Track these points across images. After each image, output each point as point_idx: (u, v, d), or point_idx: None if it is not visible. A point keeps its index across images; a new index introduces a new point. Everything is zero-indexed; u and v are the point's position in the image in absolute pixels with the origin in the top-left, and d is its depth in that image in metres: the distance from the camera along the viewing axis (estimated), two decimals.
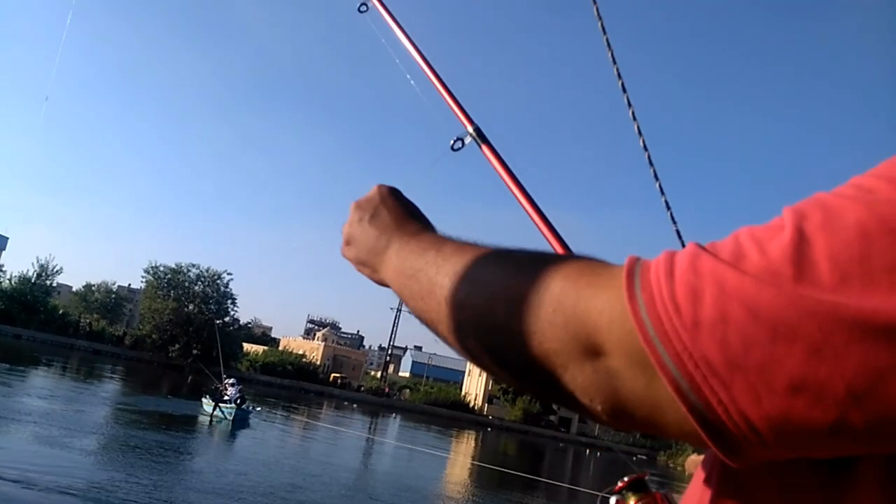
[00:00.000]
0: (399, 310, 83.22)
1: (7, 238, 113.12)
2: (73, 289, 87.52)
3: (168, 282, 69.46)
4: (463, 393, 78.89)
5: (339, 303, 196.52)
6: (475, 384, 78.47)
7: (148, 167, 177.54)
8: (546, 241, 1.34)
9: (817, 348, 0.38)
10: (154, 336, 66.79)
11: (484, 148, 1.43)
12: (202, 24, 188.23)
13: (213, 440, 21.91)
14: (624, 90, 1.67)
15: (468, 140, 1.45)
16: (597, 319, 0.45)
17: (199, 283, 71.09)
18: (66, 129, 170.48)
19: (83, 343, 64.37)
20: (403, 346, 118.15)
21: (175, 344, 66.11)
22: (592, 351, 0.46)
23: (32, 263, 69.57)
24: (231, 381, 27.38)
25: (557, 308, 0.47)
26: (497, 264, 0.56)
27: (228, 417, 24.60)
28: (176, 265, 70.70)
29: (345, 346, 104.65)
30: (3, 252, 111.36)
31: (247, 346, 75.31)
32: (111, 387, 35.89)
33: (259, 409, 28.46)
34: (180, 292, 69.38)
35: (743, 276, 0.41)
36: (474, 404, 74.66)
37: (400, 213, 0.78)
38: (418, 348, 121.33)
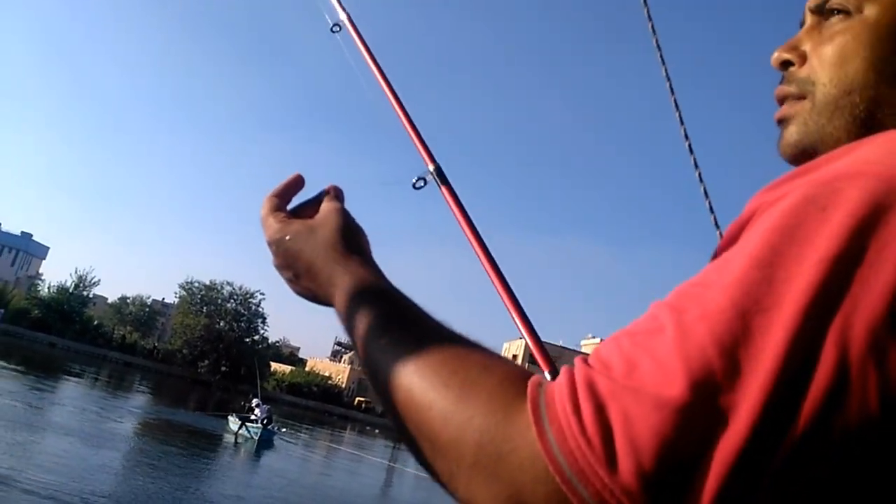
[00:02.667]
0: None
1: (48, 248, 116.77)
2: (109, 300, 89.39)
3: (201, 298, 70.58)
4: None
5: None
6: None
7: (188, 185, 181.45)
8: (494, 287, 1.41)
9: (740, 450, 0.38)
10: (185, 351, 67.75)
11: (443, 189, 1.40)
12: (245, 50, 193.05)
13: (238, 460, 22.06)
14: (676, 107, 1.67)
15: (429, 178, 1.41)
16: (520, 479, 0.43)
17: (232, 300, 72.13)
18: (111, 144, 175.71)
19: (115, 355, 65.51)
20: None
21: (205, 360, 66.95)
22: None
23: (71, 274, 71.46)
24: (256, 401, 27.58)
25: (478, 460, 0.45)
26: (418, 367, 0.52)
27: (254, 437, 24.74)
28: (210, 282, 71.94)
29: None
30: (44, 261, 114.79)
31: (274, 366, 75.88)
32: (140, 399, 36.41)
33: (284, 429, 28.61)
34: (213, 309, 70.41)
35: (639, 396, 0.40)
36: None
37: (346, 244, 0.71)
38: None
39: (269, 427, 25.38)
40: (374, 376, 0.57)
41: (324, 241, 0.70)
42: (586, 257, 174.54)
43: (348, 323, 0.63)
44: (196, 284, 71.48)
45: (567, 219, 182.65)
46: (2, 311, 62.61)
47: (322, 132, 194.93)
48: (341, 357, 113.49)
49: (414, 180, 1.39)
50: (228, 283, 72.41)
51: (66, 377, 37.16)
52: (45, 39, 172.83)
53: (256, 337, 73.10)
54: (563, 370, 0.46)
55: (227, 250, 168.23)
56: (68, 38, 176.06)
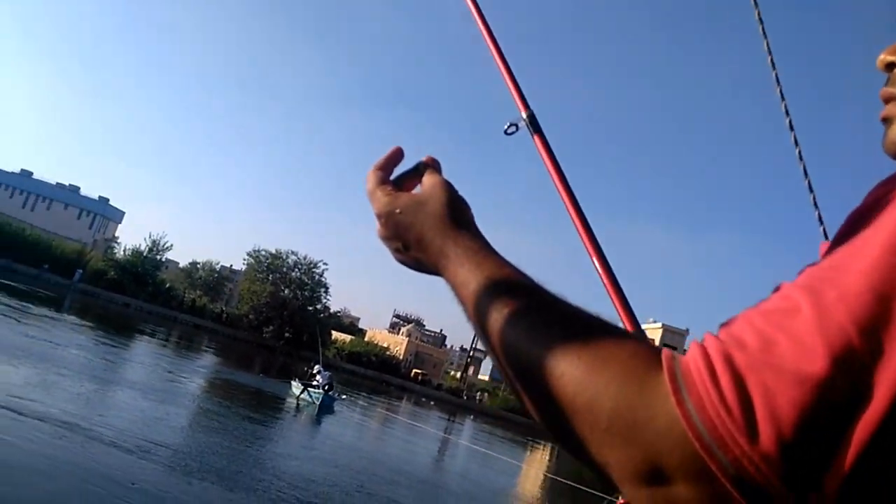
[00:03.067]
0: None
1: (124, 213, 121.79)
2: (180, 265, 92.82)
3: (268, 266, 72.50)
4: None
5: (425, 300, 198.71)
6: None
7: (262, 156, 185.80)
8: (584, 246, 1.34)
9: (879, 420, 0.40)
10: (251, 316, 69.93)
11: (535, 137, 1.37)
12: (322, 24, 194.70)
13: (299, 423, 22.73)
14: (783, 98, 1.59)
15: (521, 125, 1.37)
16: (657, 444, 0.45)
17: (297, 269, 73.82)
18: (187, 114, 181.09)
19: (185, 317, 68.14)
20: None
21: (269, 326, 68.96)
22: (653, 477, 0.46)
23: (145, 238, 74.40)
24: (318, 367, 28.24)
25: (612, 424, 0.47)
26: (544, 336, 0.53)
27: (315, 402, 25.40)
28: (276, 251, 73.77)
29: (428, 343, 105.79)
30: (119, 225, 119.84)
31: (335, 334, 77.55)
32: (207, 360, 37.83)
33: (345, 396, 29.27)
34: (278, 277, 72.29)
35: (779, 370, 0.42)
36: None
37: (454, 216, 0.73)
38: None
39: (330, 393, 25.97)
40: (495, 342, 0.58)
41: (433, 215, 0.72)
42: (644, 239, 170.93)
43: (462, 292, 0.66)
44: (263, 253, 73.51)
45: (626, 201, 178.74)
46: (80, 271, 65.86)
47: (392, 105, 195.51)
48: (399, 329, 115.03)
49: (506, 126, 1.39)
50: (293, 253, 74.20)
51: (139, 336, 38.91)
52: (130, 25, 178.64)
53: (319, 306, 74.75)
54: (693, 344, 0.48)
55: (293, 221, 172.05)
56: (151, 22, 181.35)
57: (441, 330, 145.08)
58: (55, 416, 11.45)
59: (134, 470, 9.79)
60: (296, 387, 27.67)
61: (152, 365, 25.99)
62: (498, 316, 0.58)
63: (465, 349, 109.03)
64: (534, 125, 1.38)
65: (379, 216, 0.77)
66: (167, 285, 72.91)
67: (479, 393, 78.52)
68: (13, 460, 8.61)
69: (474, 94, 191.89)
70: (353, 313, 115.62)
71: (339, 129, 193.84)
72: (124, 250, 73.59)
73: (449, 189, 0.76)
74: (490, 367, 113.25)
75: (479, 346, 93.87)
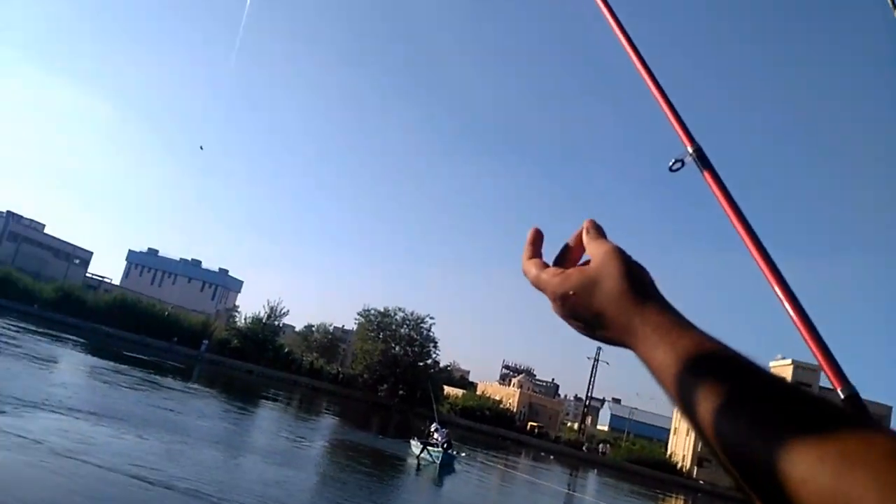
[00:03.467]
0: (597, 360, 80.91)
1: (242, 282, 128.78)
2: (297, 329, 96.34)
3: (378, 324, 73.95)
4: (668, 452, 74.00)
5: (534, 349, 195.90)
6: (682, 444, 73.32)
7: (364, 218, 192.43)
8: (775, 294, 1.14)
9: None
10: (365, 376, 71.21)
11: (705, 173, 1.27)
12: (410, 78, 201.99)
13: (421, 483, 22.56)
14: None
15: (688, 161, 1.29)
16: None
17: (405, 326, 74.82)
18: (294, 180, 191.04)
19: (304, 380, 70.24)
20: (601, 397, 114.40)
21: (383, 384, 69.88)
22: None
23: (263, 305, 77.82)
24: (435, 425, 28.11)
25: None
26: (773, 432, 0.47)
27: (436, 461, 25.20)
28: (384, 309, 75.23)
29: (540, 393, 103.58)
30: (239, 294, 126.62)
31: (447, 389, 77.50)
32: (327, 422, 38.61)
33: (464, 454, 28.89)
34: (388, 334, 73.51)
35: None
36: (682, 466, 69.63)
37: (635, 289, 0.66)
38: (617, 401, 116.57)
39: (450, 451, 25.72)
40: (710, 434, 0.53)
41: (611, 291, 0.66)
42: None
43: (661, 376, 0.60)
44: (372, 311, 75.18)
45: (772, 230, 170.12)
46: (206, 342, 69.73)
47: (493, 153, 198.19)
48: (510, 380, 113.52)
49: (671, 163, 1.28)
50: (401, 309, 75.38)
51: (262, 401, 40.35)
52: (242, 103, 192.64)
53: (429, 361, 75.17)
54: None
55: (397, 278, 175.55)
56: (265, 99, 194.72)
57: (553, 379, 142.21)
58: (182, 484, 11.86)
59: None
60: (415, 446, 27.60)
61: (275, 430, 26.76)
62: (710, 406, 0.53)
63: (580, 398, 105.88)
64: (702, 160, 1.27)
65: (554, 300, 0.71)
66: (286, 350, 75.67)
67: (601, 445, 75.45)
68: None
69: (586, 135, 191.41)
70: (463, 366, 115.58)
71: (438, 184, 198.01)
72: (245, 318, 77.36)
73: (622, 258, 0.69)
74: (609, 416, 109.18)
75: (595, 394, 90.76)
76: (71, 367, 30.95)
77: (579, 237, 0.75)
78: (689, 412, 0.56)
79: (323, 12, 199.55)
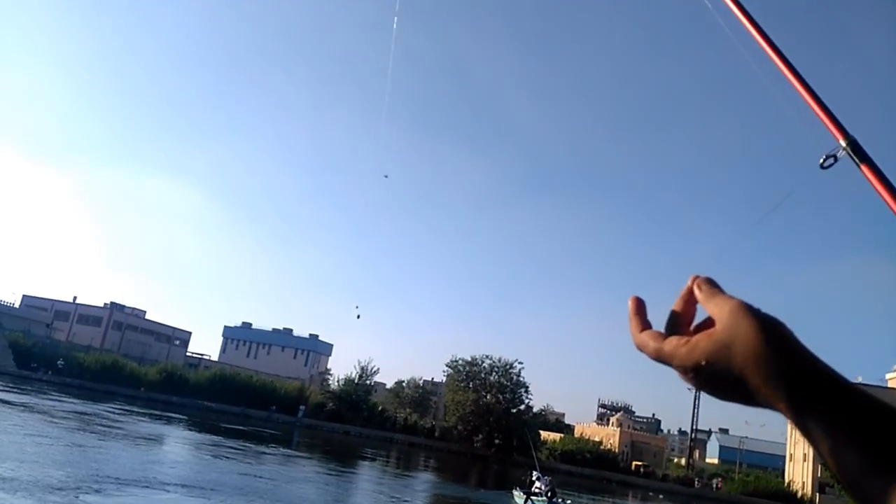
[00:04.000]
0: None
1: (332, 345, 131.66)
2: (387, 386, 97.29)
3: (466, 374, 73.84)
4: (786, 481, 69.69)
5: (630, 385, 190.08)
6: (801, 471, 68.96)
7: (444, 270, 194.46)
8: None
9: None
10: (459, 427, 70.89)
11: (862, 167, 1.15)
12: (470, 127, 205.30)
13: None
14: None
15: (841, 155, 1.16)
16: None
17: (494, 373, 74.37)
18: (369, 244, 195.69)
19: (399, 436, 70.61)
20: (707, 429, 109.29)
21: (478, 434, 69.32)
22: None
23: (354, 366, 79.14)
24: (537, 473, 27.70)
25: None
26: None
27: None
28: (471, 357, 75.14)
29: (641, 430, 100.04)
30: (330, 358, 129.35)
31: (543, 434, 76.00)
32: (426, 477, 38.63)
33: (569, 501, 28.26)
34: (477, 383, 73.19)
35: None
36: (802, 494, 65.36)
37: (776, 348, 0.58)
38: (724, 431, 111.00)
39: (554, 500, 25.27)
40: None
41: (748, 354, 0.59)
42: (874, 278, 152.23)
43: (819, 445, 0.55)
44: (459, 361, 75.23)
45: (850, 236, 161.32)
46: (302, 407, 71.45)
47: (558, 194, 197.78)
48: (608, 419, 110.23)
49: (821, 159, 1.20)
50: (487, 357, 75.11)
51: (360, 462, 40.84)
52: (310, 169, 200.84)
53: (522, 406, 74.18)
54: None
55: (481, 327, 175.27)
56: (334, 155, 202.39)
57: (653, 414, 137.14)
58: None
59: None
60: (518, 496, 27.24)
61: (375, 489, 27.06)
62: (870, 480, 0.50)
63: (685, 432, 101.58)
64: (858, 153, 1.16)
65: (685, 373, 0.65)
66: (379, 408, 76.49)
67: (714, 479, 71.77)
68: None
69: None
70: (557, 409, 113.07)
71: (500, 229, 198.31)
72: (337, 381, 78.87)
73: (752, 314, 0.61)
74: (717, 447, 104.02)
75: (700, 426, 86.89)
76: (173, 443, 32.44)
77: (687, 296, 0.68)
78: (842, 472, 0.53)
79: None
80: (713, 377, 0.62)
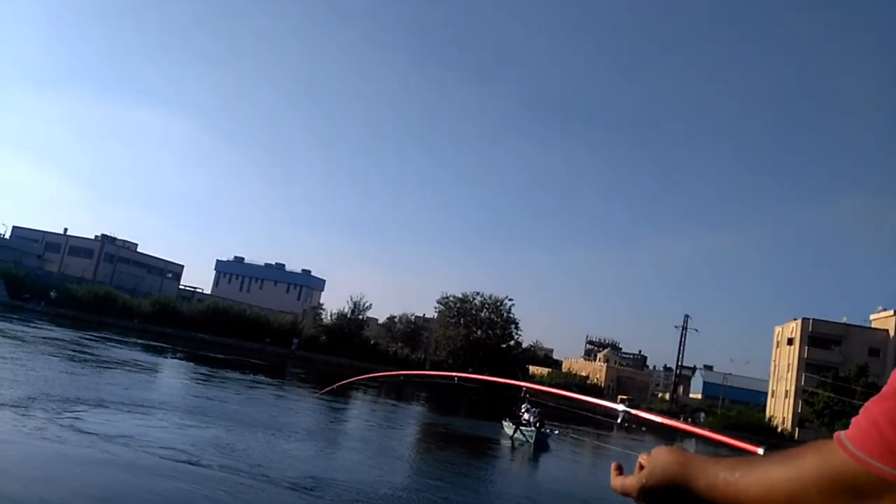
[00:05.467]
0: (685, 328, 79.13)
1: (324, 280, 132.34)
2: (380, 321, 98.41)
3: (457, 310, 74.73)
4: (767, 416, 71.81)
5: (618, 323, 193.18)
6: (782, 406, 70.97)
7: (432, 207, 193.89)
8: None
9: None
10: (450, 361, 72.24)
11: None
12: (479, 60, 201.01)
13: (517, 462, 22.88)
14: None
15: None
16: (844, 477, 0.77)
17: (485, 309, 75.32)
18: (364, 177, 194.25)
19: (391, 369, 71.80)
20: (692, 365, 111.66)
21: (468, 368, 70.65)
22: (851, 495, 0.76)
23: (346, 301, 79.83)
24: (525, 405, 28.31)
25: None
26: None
27: (530, 440, 25.46)
28: (462, 294, 75.93)
29: (627, 366, 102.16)
30: (322, 293, 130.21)
31: (532, 369, 77.59)
32: (417, 409, 39.52)
33: (557, 431, 28.99)
34: (468, 319, 74.18)
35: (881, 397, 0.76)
36: (782, 429, 67.45)
37: (680, 453, 1.08)
38: (709, 368, 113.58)
39: (543, 430, 25.91)
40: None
41: (666, 459, 1.08)
42: (873, 217, 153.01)
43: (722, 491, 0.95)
44: (450, 298, 76.03)
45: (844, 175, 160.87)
46: (296, 340, 72.38)
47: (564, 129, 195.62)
48: (595, 355, 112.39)
49: None
50: (478, 294, 75.91)
51: (354, 393, 41.63)
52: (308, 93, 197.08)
53: (511, 342, 75.45)
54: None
55: (472, 263, 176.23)
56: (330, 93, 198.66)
57: (640, 351, 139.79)
58: (284, 478, 12.50)
59: None
60: (507, 427, 27.93)
61: (368, 419, 27.69)
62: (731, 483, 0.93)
63: (670, 368, 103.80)
64: None
65: (638, 495, 1.09)
66: (372, 342, 77.58)
67: (701, 414, 73.74)
68: None
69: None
70: (546, 345, 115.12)
71: (508, 167, 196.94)
72: (330, 315, 79.64)
73: (664, 446, 1.10)
74: (701, 383, 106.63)
75: (685, 363, 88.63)
76: (165, 371, 32.91)
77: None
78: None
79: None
80: (653, 487, 1.06)
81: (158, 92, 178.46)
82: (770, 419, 70.35)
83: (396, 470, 16.04)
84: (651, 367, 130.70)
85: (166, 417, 17.03)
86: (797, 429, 65.83)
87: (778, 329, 77.95)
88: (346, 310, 77.55)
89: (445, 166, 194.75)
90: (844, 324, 69.41)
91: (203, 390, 26.87)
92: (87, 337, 42.65)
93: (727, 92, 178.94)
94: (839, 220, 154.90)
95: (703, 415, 73.27)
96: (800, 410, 65.50)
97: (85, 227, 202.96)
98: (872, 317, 72.03)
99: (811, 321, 69.33)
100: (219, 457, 13.14)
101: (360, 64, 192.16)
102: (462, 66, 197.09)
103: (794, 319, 71.74)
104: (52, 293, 70.92)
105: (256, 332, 72.10)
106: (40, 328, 42.81)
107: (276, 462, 13.65)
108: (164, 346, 50.60)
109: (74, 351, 32.04)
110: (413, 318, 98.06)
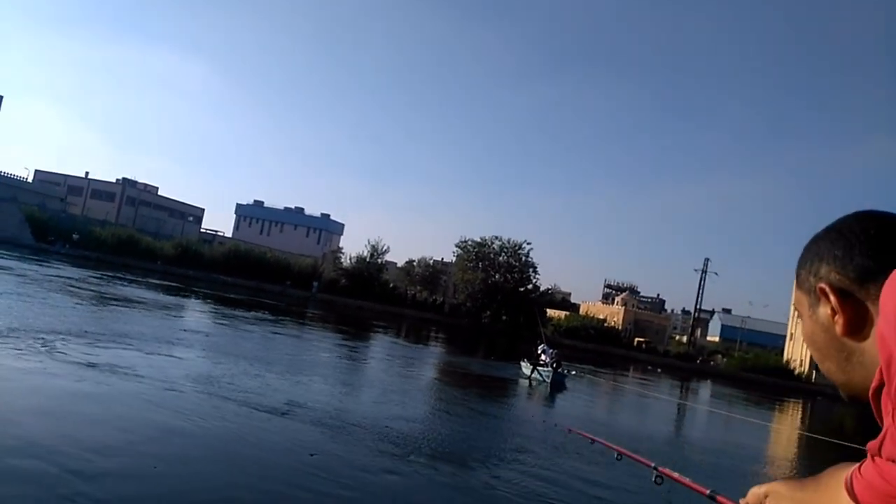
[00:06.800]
0: (705, 271, 78.81)
1: (343, 224, 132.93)
2: (398, 265, 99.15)
3: (476, 254, 74.93)
4: (785, 359, 72.02)
5: (637, 266, 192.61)
6: (800, 349, 71.12)
7: (453, 151, 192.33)
8: None
9: None
10: (468, 304, 72.86)
11: None
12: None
13: (536, 400, 23.30)
14: None
15: None
16: None
17: (503, 253, 75.42)
18: (382, 121, 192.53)
19: (410, 312, 72.79)
20: (710, 308, 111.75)
21: (486, 311, 71.34)
22: None
23: (365, 245, 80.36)
24: (542, 346, 28.62)
25: None
26: None
27: (546, 380, 25.84)
28: (481, 238, 75.97)
29: (645, 310, 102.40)
30: (341, 237, 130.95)
31: (550, 312, 78.06)
32: (436, 350, 40.12)
33: (574, 371, 29.36)
34: (487, 263, 74.42)
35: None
36: (800, 371, 67.72)
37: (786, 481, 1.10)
38: (727, 311, 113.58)
39: (560, 370, 26.26)
40: None
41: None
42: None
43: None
44: (469, 242, 76.12)
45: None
46: (316, 283, 73.29)
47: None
48: (613, 299, 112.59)
49: None
50: (497, 238, 75.89)
51: (374, 334, 42.33)
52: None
53: (529, 286, 75.74)
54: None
55: (492, 207, 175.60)
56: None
57: (658, 295, 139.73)
58: (309, 415, 12.87)
59: (382, 461, 10.71)
60: (525, 367, 28.32)
61: (388, 358, 28.21)
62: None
63: (688, 311, 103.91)
64: None
65: None
66: (391, 285, 78.36)
67: (718, 356, 74.09)
68: (279, 459, 9.87)
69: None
70: (564, 289, 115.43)
71: (527, 108, 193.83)
72: (349, 259, 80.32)
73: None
74: (719, 326, 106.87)
75: (703, 306, 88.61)
76: (189, 311, 33.58)
77: None
78: None
79: None
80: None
81: (174, 36, 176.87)
82: (787, 362, 70.57)
83: (413, 406, 16.41)
84: (669, 311, 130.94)
85: (191, 353, 17.49)
86: (814, 371, 66.01)
87: None
88: (364, 253, 78.14)
89: (459, 111, 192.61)
90: None
91: (225, 330, 27.46)
92: (113, 276, 43.54)
93: (747, 32, 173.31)
94: (861, 162, 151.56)
95: (719, 357, 73.66)
96: None
97: (105, 173, 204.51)
98: None
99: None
100: (234, 391, 13.51)
101: (372, 7, 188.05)
102: (474, 3, 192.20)
103: None
104: (74, 235, 72.00)
105: (277, 275, 73.09)
106: (61, 270, 43.68)
107: (298, 398, 14.01)
108: (189, 288, 51.53)
109: (98, 292, 32.77)
110: (431, 262, 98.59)
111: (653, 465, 2.93)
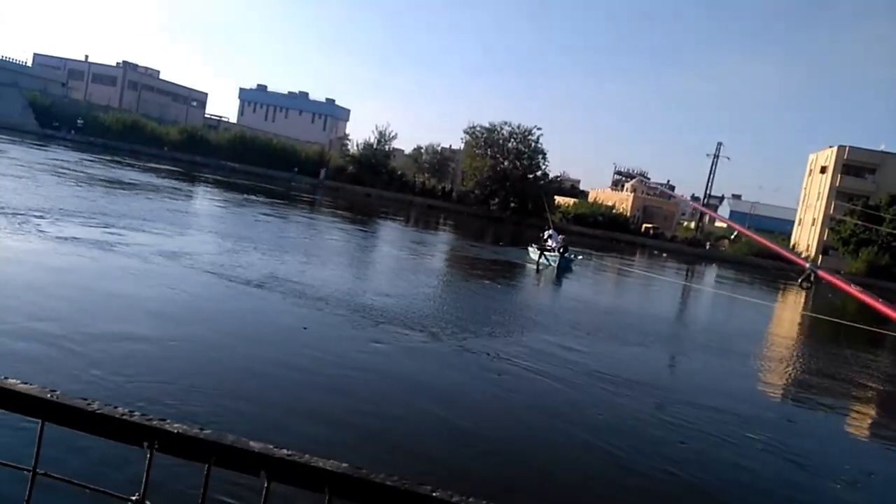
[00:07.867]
0: (717, 156, 77.80)
1: (349, 110, 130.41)
2: (406, 152, 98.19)
3: (484, 141, 73.87)
4: (792, 244, 72.39)
5: (647, 152, 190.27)
6: (807, 234, 71.33)
7: (460, 32, 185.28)
8: None
9: None
10: (476, 191, 72.66)
11: None
12: None
13: (542, 284, 23.75)
14: None
15: None
16: None
17: (512, 140, 74.30)
18: (387, 4, 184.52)
19: (419, 199, 72.79)
20: (720, 195, 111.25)
21: (494, 198, 71.23)
22: None
23: (372, 131, 79.20)
24: (549, 232, 28.81)
25: None
26: None
27: (553, 264, 26.20)
28: (490, 124, 74.58)
29: (655, 196, 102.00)
30: (348, 123, 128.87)
31: (558, 199, 77.89)
32: (446, 236, 40.50)
33: (581, 257, 29.69)
34: (495, 150, 73.50)
35: None
36: (806, 255, 68.19)
37: None
38: (737, 197, 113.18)
39: (566, 255, 26.56)
40: None
41: None
42: None
43: None
44: (477, 128, 74.82)
45: None
46: (324, 170, 72.94)
47: None
48: (622, 185, 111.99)
49: None
50: (507, 124, 74.48)
51: (383, 221, 42.62)
52: None
53: (538, 173, 75.13)
54: None
55: (500, 93, 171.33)
56: None
57: (668, 181, 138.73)
58: (325, 294, 13.19)
59: (399, 338, 11.07)
60: (533, 252, 28.64)
61: (398, 244, 28.55)
62: None
63: (697, 197, 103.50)
64: None
65: None
66: (398, 172, 77.92)
67: (723, 241, 74.39)
68: (289, 336, 10.20)
69: None
70: (573, 176, 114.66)
71: None
72: (356, 145, 79.45)
73: None
74: (728, 212, 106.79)
75: (714, 192, 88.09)
76: (201, 197, 33.74)
77: None
78: None
79: None
80: None
81: None
82: (794, 246, 70.99)
83: (424, 287, 16.78)
84: (680, 195, 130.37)
85: (209, 238, 17.75)
86: (821, 256, 66.56)
87: (812, 157, 76.33)
88: (372, 140, 77.18)
89: None
90: (882, 151, 67.37)
91: (238, 216, 27.69)
92: (122, 164, 43.51)
93: None
94: (869, 45, 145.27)
95: (725, 241, 74.04)
96: (825, 238, 65.84)
97: (105, 56, 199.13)
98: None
99: (847, 148, 67.44)
100: (257, 276, 13.81)
101: None
102: None
103: (830, 147, 69.88)
104: (78, 121, 71.18)
105: (284, 162, 72.66)
106: (63, 154, 43.55)
107: (314, 282, 14.33)
108: (198, 174, 51.49)
109: (109, 178, 32.82)
110: (440, 148, 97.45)
111: (808, 265, 3.47)
